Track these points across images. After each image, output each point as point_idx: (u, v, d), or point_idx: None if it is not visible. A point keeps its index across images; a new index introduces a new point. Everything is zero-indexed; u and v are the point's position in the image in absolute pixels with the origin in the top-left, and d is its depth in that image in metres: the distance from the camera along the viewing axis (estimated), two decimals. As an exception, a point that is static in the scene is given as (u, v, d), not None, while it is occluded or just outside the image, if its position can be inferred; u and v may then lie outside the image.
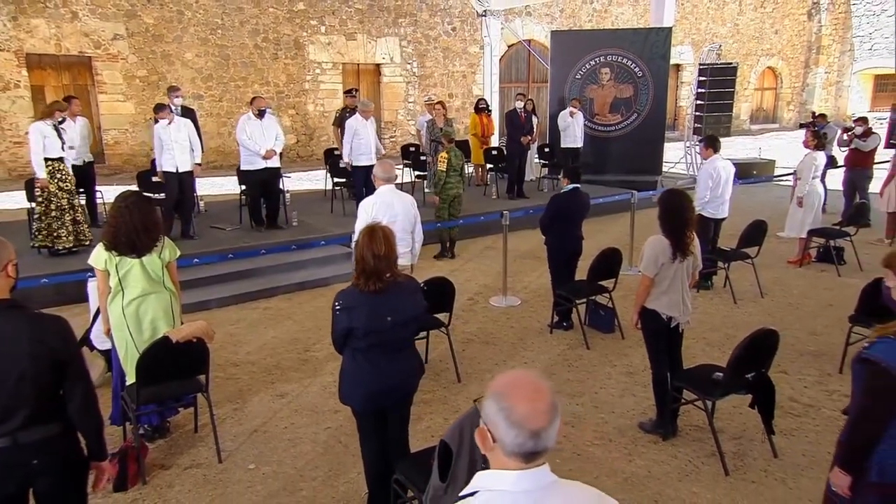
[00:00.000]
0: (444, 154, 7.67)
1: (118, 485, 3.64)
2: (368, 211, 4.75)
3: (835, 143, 10.64)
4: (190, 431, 4.26)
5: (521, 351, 5.61)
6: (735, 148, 18.15)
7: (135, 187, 7.98)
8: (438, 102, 10.05)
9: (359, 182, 8.50)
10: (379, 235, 3.00)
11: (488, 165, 11.64)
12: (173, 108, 7.86)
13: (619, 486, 3.71)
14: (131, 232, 3.77)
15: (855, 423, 2.35)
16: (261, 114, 7.82)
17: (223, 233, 8.01)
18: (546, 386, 1.42)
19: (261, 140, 7.76)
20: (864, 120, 9.70)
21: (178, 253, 4.10)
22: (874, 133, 9.40)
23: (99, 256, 3.82)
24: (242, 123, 7.82)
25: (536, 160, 12.45)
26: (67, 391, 2.31)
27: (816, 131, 8.11)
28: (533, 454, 1.37)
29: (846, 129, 9.90)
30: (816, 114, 11.77)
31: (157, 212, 4.02)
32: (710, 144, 6.80)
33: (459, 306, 6.62)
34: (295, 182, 12.38)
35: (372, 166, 8.47)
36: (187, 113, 8.51)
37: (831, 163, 9.64)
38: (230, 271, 6.84)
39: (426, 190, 9.60)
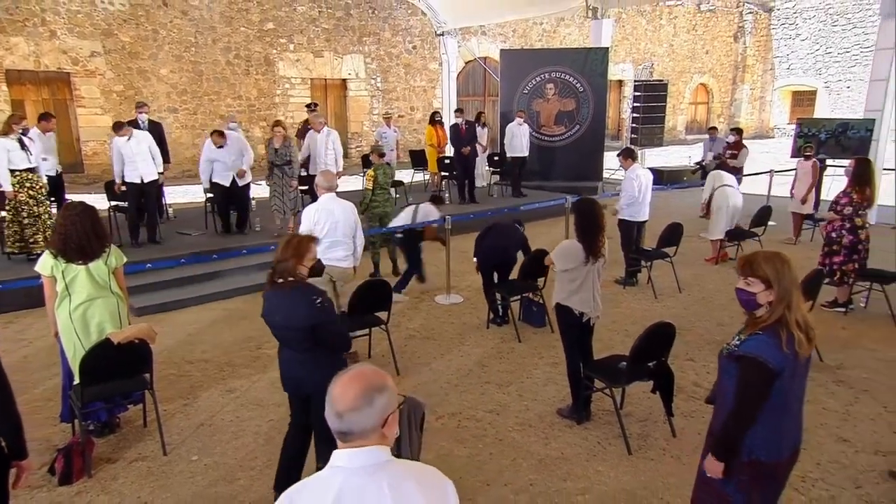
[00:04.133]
0: (370, 172, 7.01)
1: (63, 479, 3.55)
2: (311, 217, 4.72)
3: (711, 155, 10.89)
4: (139, 426, 4.18)
5: (459, 345, 5.61)
6: (670, 157, 18.46)
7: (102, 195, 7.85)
8: (276, 122, 8.20)
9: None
10: (282, 242, 3.12)
11: (443, 173, 11.63)
12: (140, 122, 7.70)
13: (533, 467, 3.74)
14: (82, 238, 3.69)
15: (736, 416, 2.31)
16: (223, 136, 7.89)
17: (189, 238, 7.86)
18: (367, 378, 1.45)
19: (226, 159, 7.80)
20: (738, 131, 9.97)
21: (125, 259, 4.01)
22: (744, 147, 9.67)
23: (45, 264, 3.72)
24: (207, 153, 7.92)
25: (486, 168, 12.49)
26: (-16, 394, 2.24)
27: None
28: (341, 433, 1.42)
29: (728, 146, 10.07)
30: (709, 126, 12.12)
31: (102, 220, 3.92)
32: (628, 156, 6.93)
33: (406, 304, 6.64)
34: (264, 189, 12.23)
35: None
36: (154, 126, 8.34)
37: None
38: (192, 274, 6.72)
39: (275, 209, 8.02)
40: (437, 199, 7.12)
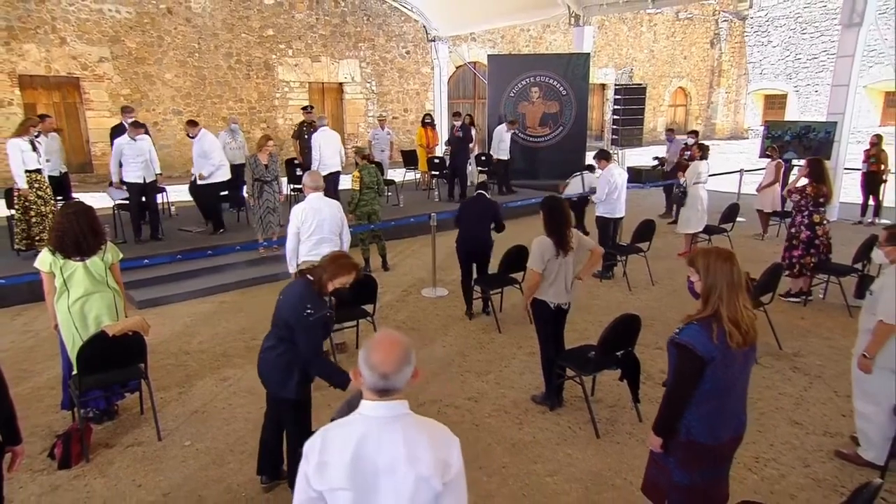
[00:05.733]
0: (356, 173, 6.89)
1: (62, 463, 3.55)
2: (298, 216, 4.69)
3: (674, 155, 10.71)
4: (136, 414, 4.17)
5: (443, 336, 5.61)
6: (649, 157, 18.44)
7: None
8: (265, 137, 7.27)
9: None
10: (334, 254, 3.13)
11: (432, 172, 11.60)
12: (126, 125, 7.67)
13: (506, 451, 3.75)
14: (78, 235, 3.68)
15: (669, 396, 2.40)
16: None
17: (188, 234, 7.83)
18: (402, 343, 1.62)
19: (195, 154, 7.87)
20: (695, 133, 9.91)
21: (121, 255, 3.99)
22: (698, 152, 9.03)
23: (44, 260, 3.70)
24: None
25: (476, 168, 12.45)
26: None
27: (702, 144, 8.28)
28: (384, 391, 1.59)
29: (685, 148, 9.92)
30: (667, 128, 12.06)
31: (99, 219, 3.89)
32: (603, 157, 6.93)
33: (394, 297, 6.65)
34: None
35: (334, 173, 8.49)
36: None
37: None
38: (190, 269, 6.70)
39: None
40: (591, 169, 8.08)
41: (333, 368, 3.06)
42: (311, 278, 2.97)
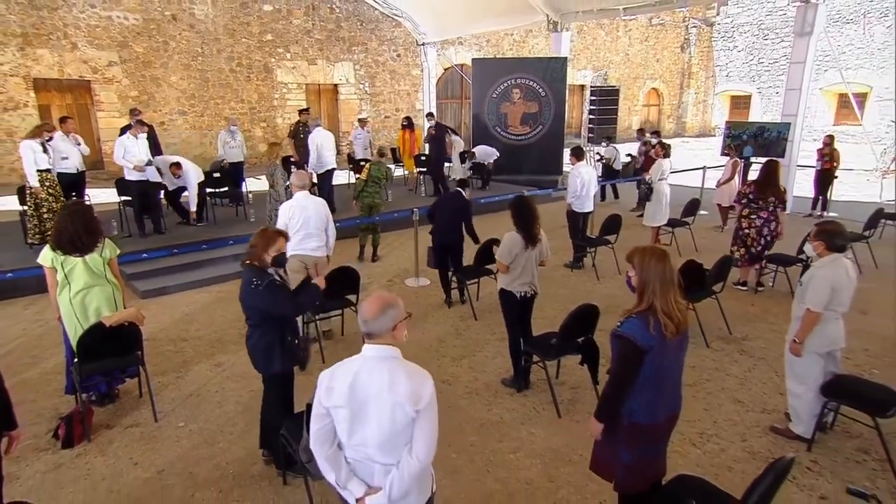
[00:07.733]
0: (367, 167, 7.09)
1: (66, 443, 3.58)
2: (286, 213, 4.69)
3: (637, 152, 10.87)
4: (136, 397, 4.19)
5: (422, 323, 5.62)
6: (623, 153, 18.43)
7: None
8: (280, 146, 7.53)
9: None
10: (258, 232, 3.17)
11: (419, 170, 11.50)
12: (133, 125, 7.62)
13: (474, 430, 3.80)
14: (73, 234, 3.68)
15: (612, 384, 2.41)
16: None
17: (190, 229, 7.79)
18: (384, 299, 1.96)
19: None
20: (657, 133, 10.04)
21: (118, 251, 4.00)
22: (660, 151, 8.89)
23: (45, 256, 3.71)
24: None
25: (462, 165, 12.41)
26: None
27: (663, 143, 8.30)
28: (368, 334, 1.95)
29: (644, 143, 10.13)
30: (639, 128, 12.23)
31: (96, 218, 3.88)
32: (576, 155, 6.93)
33: (380, 286, 6.65)
34: (264, 184, 12.10)
35: (331, 170, 8.49)
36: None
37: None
38: (190, 261, 6.67)
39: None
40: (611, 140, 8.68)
41: (310, 293, 3.26)
42: (252, 260, 3.10)
